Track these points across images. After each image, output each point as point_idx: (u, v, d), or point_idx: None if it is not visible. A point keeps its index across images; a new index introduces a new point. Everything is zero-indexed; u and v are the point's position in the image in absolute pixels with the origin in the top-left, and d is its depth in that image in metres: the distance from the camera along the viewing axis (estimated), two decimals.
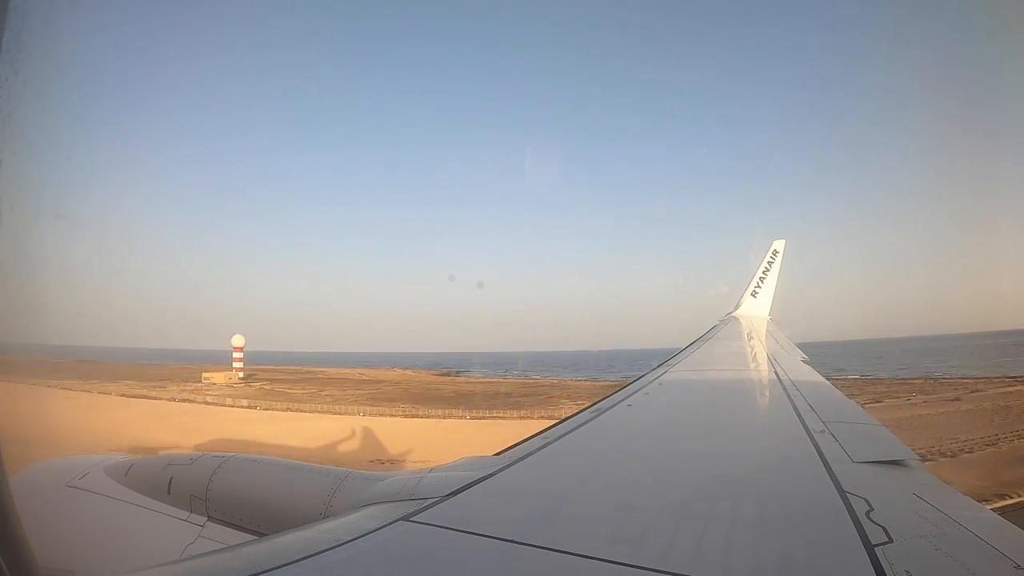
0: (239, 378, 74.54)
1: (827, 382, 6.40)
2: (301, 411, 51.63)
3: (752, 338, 11.18)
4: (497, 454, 3.30)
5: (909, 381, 68.66)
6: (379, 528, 2.26)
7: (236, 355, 77.40)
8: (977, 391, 54.40)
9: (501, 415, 46.99)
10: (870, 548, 1.88)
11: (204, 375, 71.43)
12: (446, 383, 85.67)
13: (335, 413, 50.25)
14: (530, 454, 3.30)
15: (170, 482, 3.74)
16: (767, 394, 5.67)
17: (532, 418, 42.12)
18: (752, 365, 8.37)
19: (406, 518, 2.35)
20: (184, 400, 56.55)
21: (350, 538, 2.14)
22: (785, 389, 5.48)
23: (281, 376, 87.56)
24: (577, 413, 4.50)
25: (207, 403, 55.08)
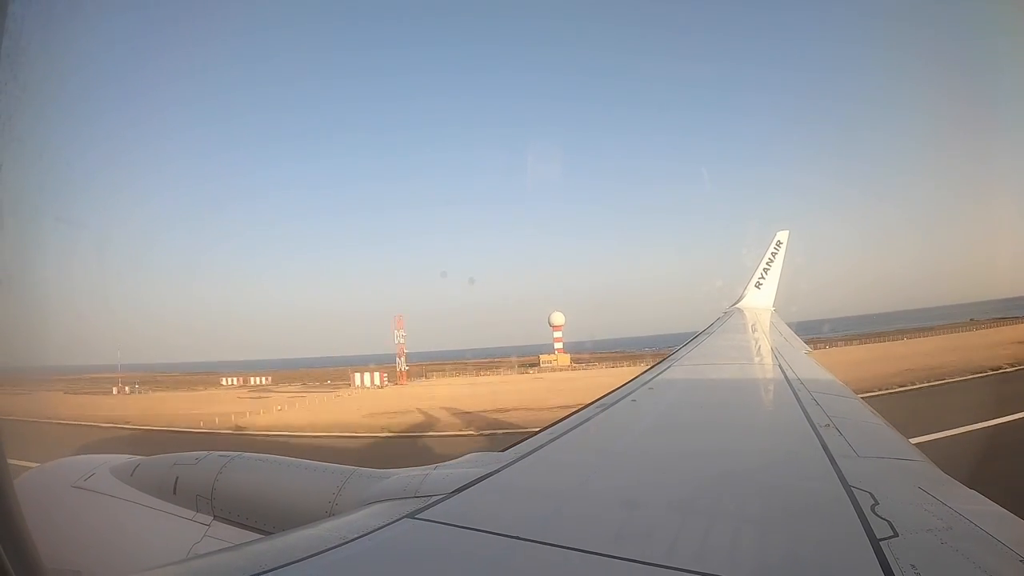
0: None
1: (831, 376, 6.37)
2: None
3: (756, 330, 11.13)
4: (502, 451, 3.31)
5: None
6: (384, 526, 2.26)
7: (556, 335, 72.53)
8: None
9: None
10: (876, 542, 1.87)
11: (543, 359, 69.45)
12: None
13: None
14: (535, 450, 3.30)
15: (176, 482, 3.75)
16: (771, 388, 5.66)
17: None
18: (756, 359, 8.35)
19: (411, 515, 2.36)
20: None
21: (355, 536, 2.15)
22: (789, 383, 5.47)
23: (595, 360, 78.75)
24: (581, 408, 4.51)
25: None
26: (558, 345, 71.46)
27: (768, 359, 7.82)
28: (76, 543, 3.61)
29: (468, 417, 32.14)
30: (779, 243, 15.81)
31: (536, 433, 3.70)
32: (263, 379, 70.00)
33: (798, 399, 4.65)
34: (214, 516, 3.56)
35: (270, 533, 3.22)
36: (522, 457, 3.15)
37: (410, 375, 64.49)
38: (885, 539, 1.90)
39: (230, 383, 68.89)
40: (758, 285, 15.36)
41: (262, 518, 3.41)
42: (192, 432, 31.39)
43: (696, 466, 3.17)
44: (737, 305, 14.76)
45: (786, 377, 5.87)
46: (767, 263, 15.62)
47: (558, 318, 72.66)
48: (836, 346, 54.49)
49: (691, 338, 10.13)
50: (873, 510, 2.16)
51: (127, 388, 62.48)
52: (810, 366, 6.97)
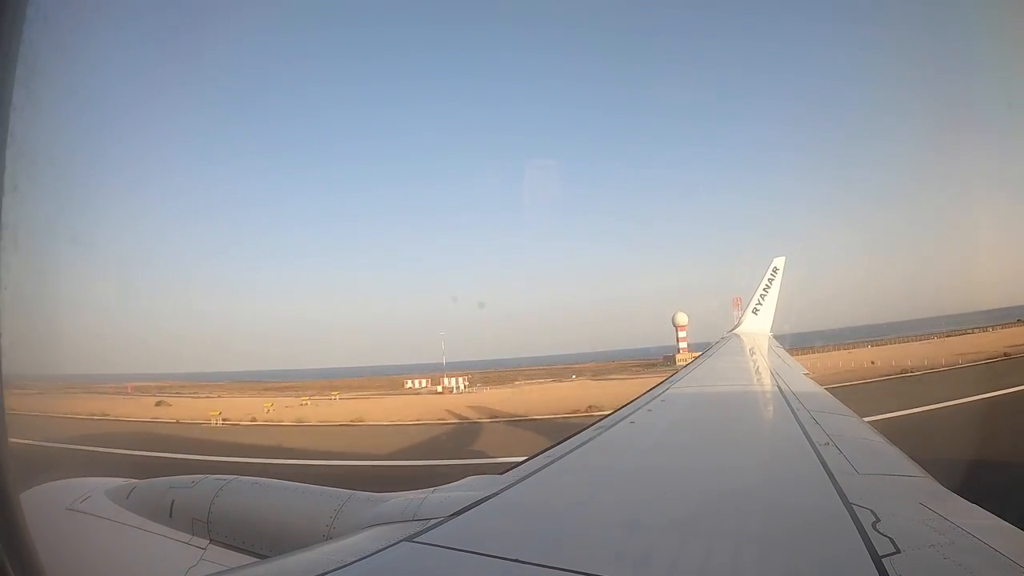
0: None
1: (830, 395, 6.39)
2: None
3: (754, 354, 11.16)
4: (500, 473, 3.29)
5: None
6: (383, 549, 2.24)
7: (681, 334, 72.44)
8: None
9: None
10: (878, 560, 1.86)
11: (679, 358, 67.69)
12: None
13: None
14: (534, 473, 3.28)
15: (172, 505, 3.70)
16: (771, 408, 5.66)
17: None
18: (755, 380, 8.37)
19: (409, 539, 2.33)
20: None
21: (353, 559, 2.13)
22: (788, 403, 5.48)
23: None
24: (580, 432, 4.49)
25: None
26: (683, 344, 70.82)
27: (767, 380, 7.84)
28: (71, 566, 3.53)
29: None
30: (775, 269, 16.01)
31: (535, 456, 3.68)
32: (461, 380, 63.38)
33: (797, 418, 4.66)
34: (210, 540, 3.51)
35: (267, 557, 3.18)
36: (521, 480, 3.13)
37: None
38: (887, 556, 1.88)
39: (420, 384, 63.19)
40: (755, 311, 15.48)
41: (259, 542, 3.36)
42: None
43: (696, 486, 3.15)
44: (735, 331, 14.84)
45: (785, 397, 5.87)
46: (764, 289, 15.78)
47: (682, 318, 71.99)
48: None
49: (689, 361, 10.19)
50: (874, 527, 2.15)
51: (461, 383, 59.57)
52: (808, 386, 6.98)
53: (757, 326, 15.09)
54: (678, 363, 64.19)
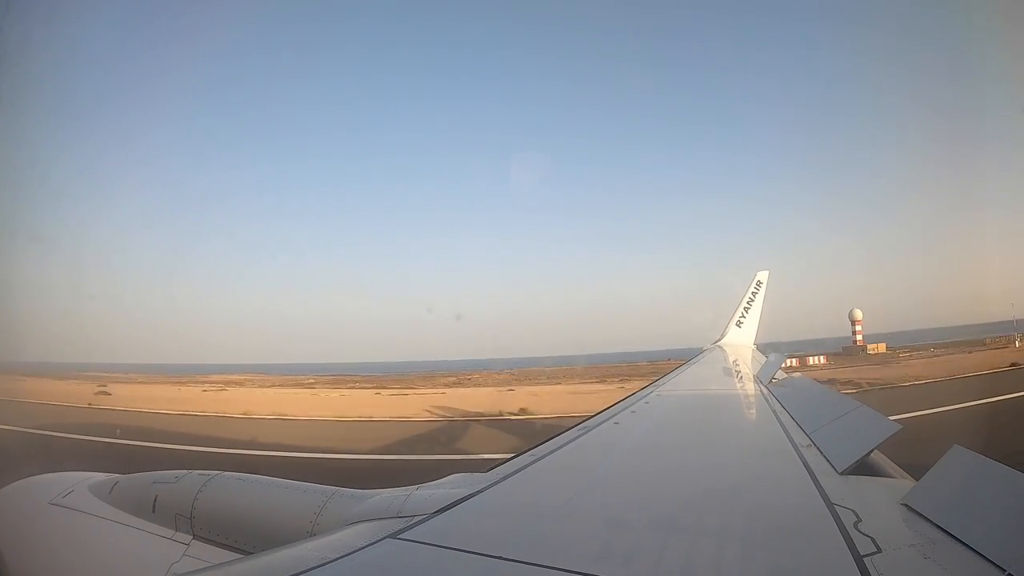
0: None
1: (813, 395, 6.43)
2: None
3: (738, 364, 11.30)
4: (485, 471, 3.30)
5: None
6: (366, 546, 2.24)
7: (858, 327, 72.57)
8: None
9: None
10: (859, 559, 1.90)
11: (870, 348, 67.60)
12: None
13: None
14: (518, 471, 3.31)
15: (155, 500, 3.64)
16: (753, 410, 5.75)
17: None
18: (737, 384, 8.48)
19: (393, 536, 2.33)
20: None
21: (337, 556, 2.12)
22: (770, 405, 5.57)
23: None
24: (564, 431, 4.51)
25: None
26: (858, 337, 71.71)
27: (749, 384, 7.96)
28: (53, 561, 3.50)
29: None
30: (759, 283, 16.28)
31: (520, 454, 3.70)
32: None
33: (779, 420, 4.75)
34: (194, 535, 3.46)
35: (251, 553, 3.16)
36: (505, 478, 3.15)
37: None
38: (868, 555, 1.92)
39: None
40: (739, 324, 15.70)
41: (242, 538, 3.33)
42: None
43: (679, 486, 3.19)
44: (719, 343, 15.01)
45: (767, 400, 5.98)
46: (747, 302, 16.04)
47: (858, 313, 73.10)
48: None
49: (673, 369, 10.32)
50: (856, 527, 2.19)
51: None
52: (790, 389, 7.05)
53: (740, 339, 15.29)
54: (868, 352, 64.07)
